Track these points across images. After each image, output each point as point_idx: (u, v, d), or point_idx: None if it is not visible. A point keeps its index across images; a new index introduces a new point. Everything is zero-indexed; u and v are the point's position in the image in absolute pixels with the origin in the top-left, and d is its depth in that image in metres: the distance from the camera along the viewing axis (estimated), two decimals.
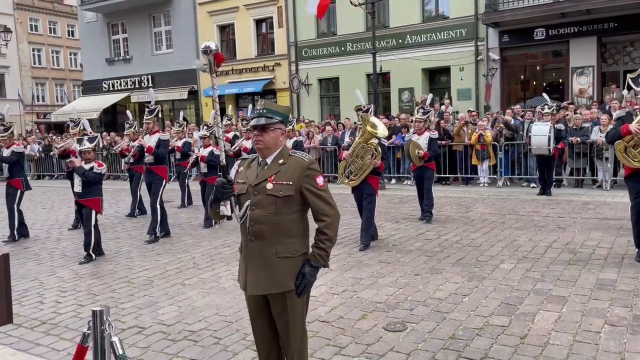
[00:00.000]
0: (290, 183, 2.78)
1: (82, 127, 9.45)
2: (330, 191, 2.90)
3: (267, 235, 2.79)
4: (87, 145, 7.12)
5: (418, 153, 8.25)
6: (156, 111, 8.44)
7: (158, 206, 8.09)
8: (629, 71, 6.83)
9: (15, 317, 4.83)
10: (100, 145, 14.40)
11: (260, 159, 2.90)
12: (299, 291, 2.82)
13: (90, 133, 8.59)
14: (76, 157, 7.16)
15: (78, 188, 7.05)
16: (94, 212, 7.03)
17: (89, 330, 2.00)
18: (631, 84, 5.67)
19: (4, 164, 8.51)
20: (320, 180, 2.83)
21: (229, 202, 2.86)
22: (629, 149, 5.67)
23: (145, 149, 8.20)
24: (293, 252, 2.82)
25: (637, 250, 5.80)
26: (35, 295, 5.60)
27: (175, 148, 10.69)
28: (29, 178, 19.11)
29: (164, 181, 8.27)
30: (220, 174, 2.95)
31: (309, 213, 2.88)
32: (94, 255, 7.00)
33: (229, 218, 2.94)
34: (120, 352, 1.93)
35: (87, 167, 6.98)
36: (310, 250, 2.88)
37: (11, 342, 4.39)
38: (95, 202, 7.06)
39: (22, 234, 8.66)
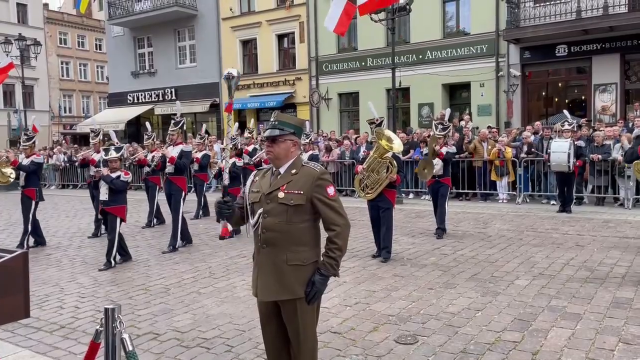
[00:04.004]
0: (301, 192, 2.85)
1: (101, 138, 9.70)
2: (341, 201, 2.96)
3: (278, 242, 2.86)
4: (113, 154, 7.35)
5: (435, 157, 8.27)
6: (181, 123, 8.62)
7: (180, 218, 8.20)
8: None
9: (35, 321, 4.99)
10: (125, 156, 14.67)
11: (274, 169, 2.99)
12: (309, 299, 2.87)
13: (117, 143, 8.76)
14: (96, 167, 7.32)
15: (105, 196, 7.20)
16: (118, 220, 7.22)
17: (101, 327, 2.09)
18: None
19: (21, 173, 8.62)
20: (331, 190, 2.89)
21: (225, 222, 3.13)
22: None
23: (168, 159, 8.37)
24: (303, 260, 2.88)
25: None
26: (56, 300, 5.74)
27: (194, 159, 10.87)
28: (53, 187, 19.63)
29: (183, 192, 8.39)
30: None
31: (321, 223, 2.94)
32: (113, 263, 7.16)
33: (222, 238, 3.24)
34: (130, 348, 2.00)
35: (113, 175, 7.19)
36: (321, 259, 2.94)
37: (30, 345, 4.51)
38: (121, 210, 7.27)
39: (39, 243, 8.82)
